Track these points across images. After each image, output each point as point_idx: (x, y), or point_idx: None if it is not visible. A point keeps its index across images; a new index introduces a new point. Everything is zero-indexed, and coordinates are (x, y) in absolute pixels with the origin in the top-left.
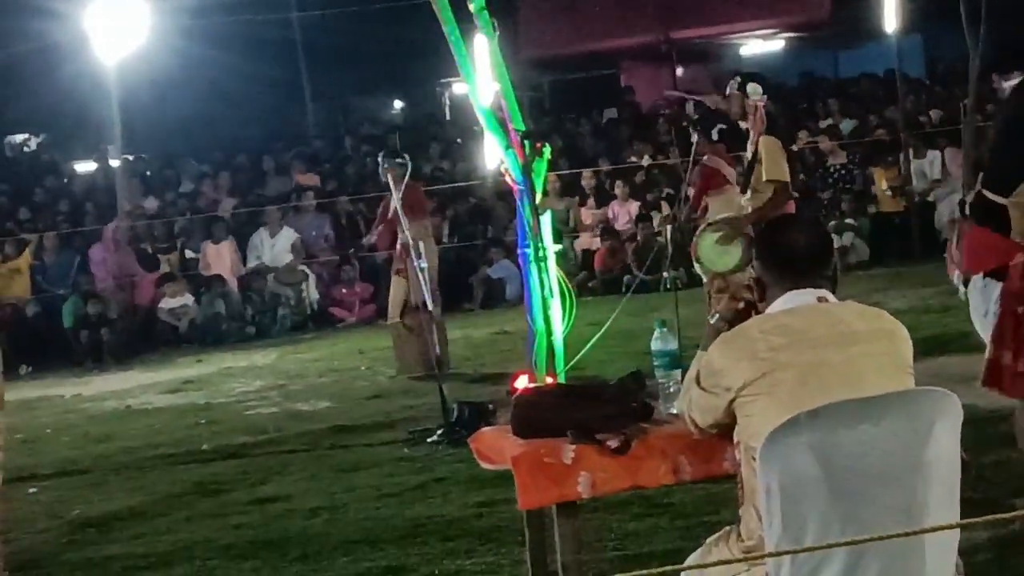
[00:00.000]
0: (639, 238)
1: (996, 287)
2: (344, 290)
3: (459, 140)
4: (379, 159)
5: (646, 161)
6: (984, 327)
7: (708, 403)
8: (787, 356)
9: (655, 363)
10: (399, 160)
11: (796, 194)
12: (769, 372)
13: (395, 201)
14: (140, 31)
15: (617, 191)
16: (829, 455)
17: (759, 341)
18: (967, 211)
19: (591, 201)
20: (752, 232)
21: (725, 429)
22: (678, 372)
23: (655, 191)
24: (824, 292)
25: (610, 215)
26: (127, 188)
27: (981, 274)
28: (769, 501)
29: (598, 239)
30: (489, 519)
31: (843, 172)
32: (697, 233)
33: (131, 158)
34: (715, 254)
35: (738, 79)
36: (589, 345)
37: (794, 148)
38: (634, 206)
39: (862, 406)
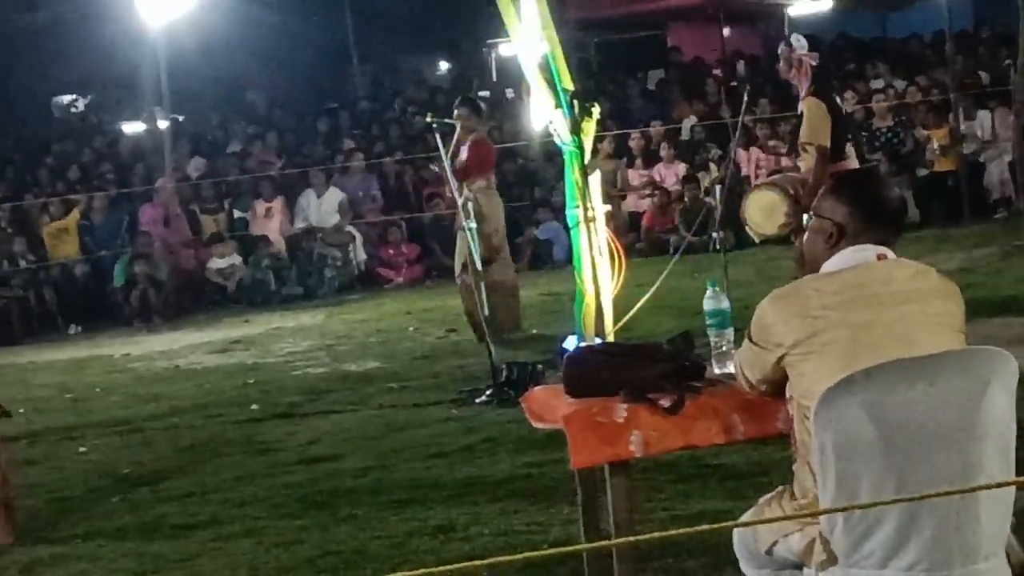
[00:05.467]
0: (686, 199)
1: None
2: (391, 251)
3: (504, 101)
4: (455, 105)
5: (691, 121)
6: None
7: (758, 358)
8: (840, 315)
9: (707, 322)
10: (474, 110)
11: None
12: (821, 331)
13: (444, 156)
14: None
15: (663, 153)
16: (883, 414)
17: (812, 298)
18: None
19: (638, 162)
20: (796, 193)
21: (776, 386)
22: (730, 331)
23: (702, 152)
24: (885, 249)
25: (657, 177)
26: (174, 149)
27: None
28: (823, 460)
29: (645, 201)
30: (538, 480)
31: (890, 135)
32: (745, 195)
33: (180, 119)
34: (761, 215)
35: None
36: (637, 306)
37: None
38: (681, 167)
39: (917, 365)
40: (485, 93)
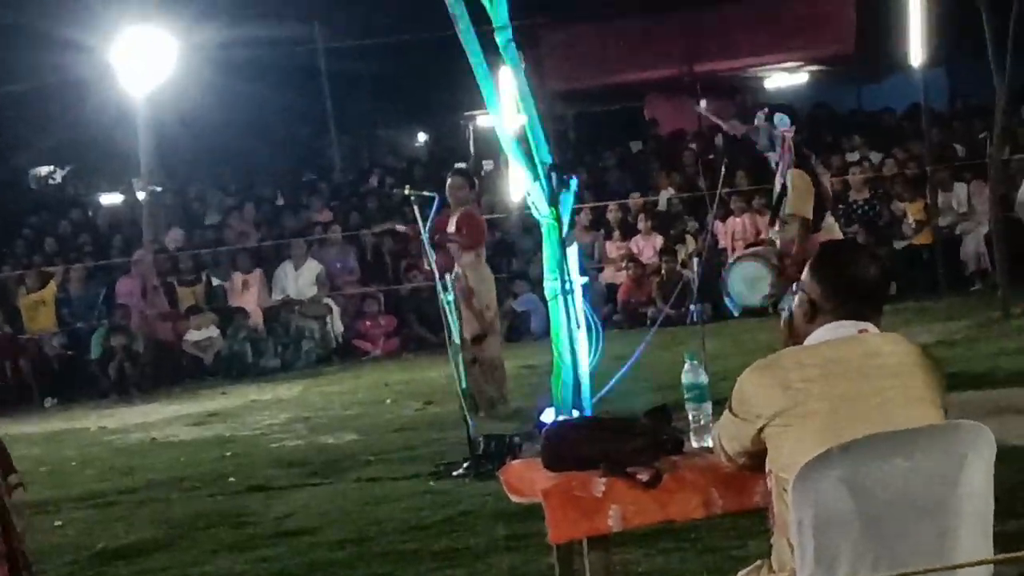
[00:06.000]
0: (663, 272)
1: None
2: (368, 323)
3: (483, 173)
4: (450, 174)
5: (669, 193)
6: None
7: (738, 430)
8: (820, 388)
9: (686, 396)
10: (469, 180)
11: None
12: (801, 403)
13: (423, 229)
14: (167, 63)
15: (640, 225)
16: (862, 488)
17: (793, 371)
18: None
19: (616, 234)
20: (779, 264)
21: (755, 459)
22: (708, 405)
23: (679, 225)
24: (867, 324)
25: (634, 249)
26: (152, 220)
27: None
28: (801, 534)
29: (623, 272)
30: (516, 553)
31: (866, 208)
32: (726, 266)
33: (158, 190)
34: (745, 286)
35: (765, 110)
36: (616, 378)
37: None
38: (658, 240)
39: (895, 439)
40: (462, 165)
